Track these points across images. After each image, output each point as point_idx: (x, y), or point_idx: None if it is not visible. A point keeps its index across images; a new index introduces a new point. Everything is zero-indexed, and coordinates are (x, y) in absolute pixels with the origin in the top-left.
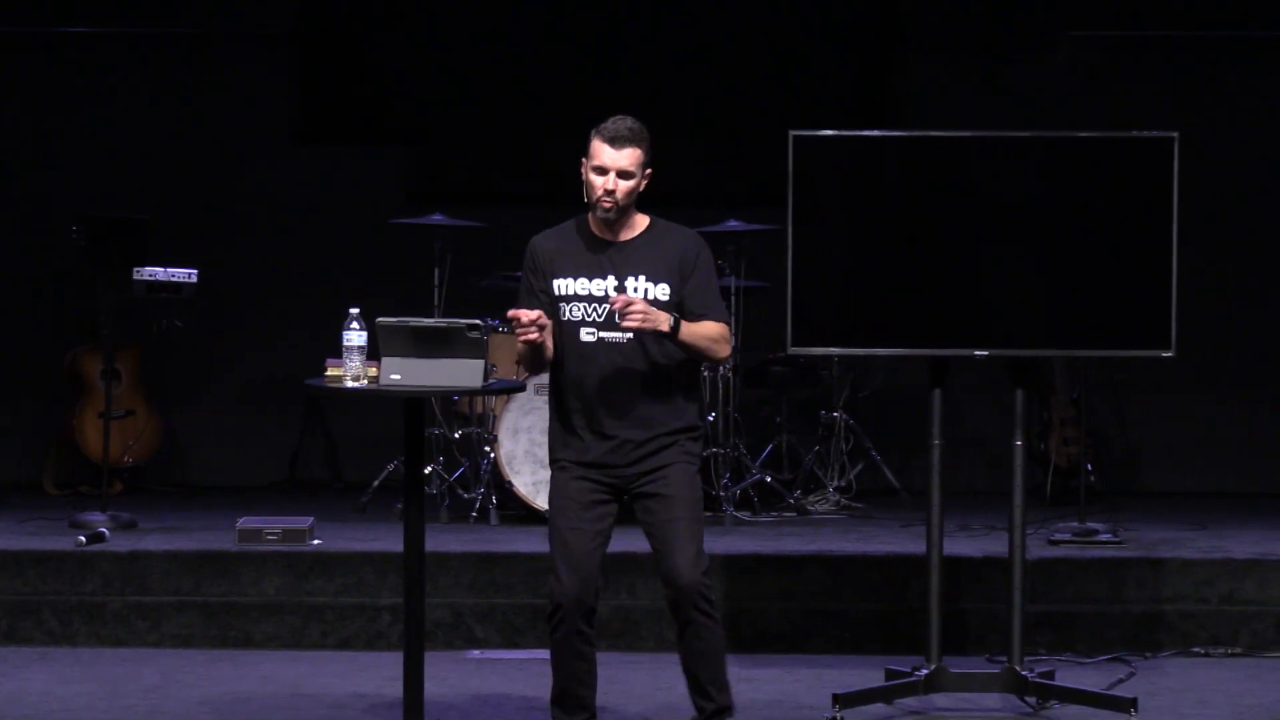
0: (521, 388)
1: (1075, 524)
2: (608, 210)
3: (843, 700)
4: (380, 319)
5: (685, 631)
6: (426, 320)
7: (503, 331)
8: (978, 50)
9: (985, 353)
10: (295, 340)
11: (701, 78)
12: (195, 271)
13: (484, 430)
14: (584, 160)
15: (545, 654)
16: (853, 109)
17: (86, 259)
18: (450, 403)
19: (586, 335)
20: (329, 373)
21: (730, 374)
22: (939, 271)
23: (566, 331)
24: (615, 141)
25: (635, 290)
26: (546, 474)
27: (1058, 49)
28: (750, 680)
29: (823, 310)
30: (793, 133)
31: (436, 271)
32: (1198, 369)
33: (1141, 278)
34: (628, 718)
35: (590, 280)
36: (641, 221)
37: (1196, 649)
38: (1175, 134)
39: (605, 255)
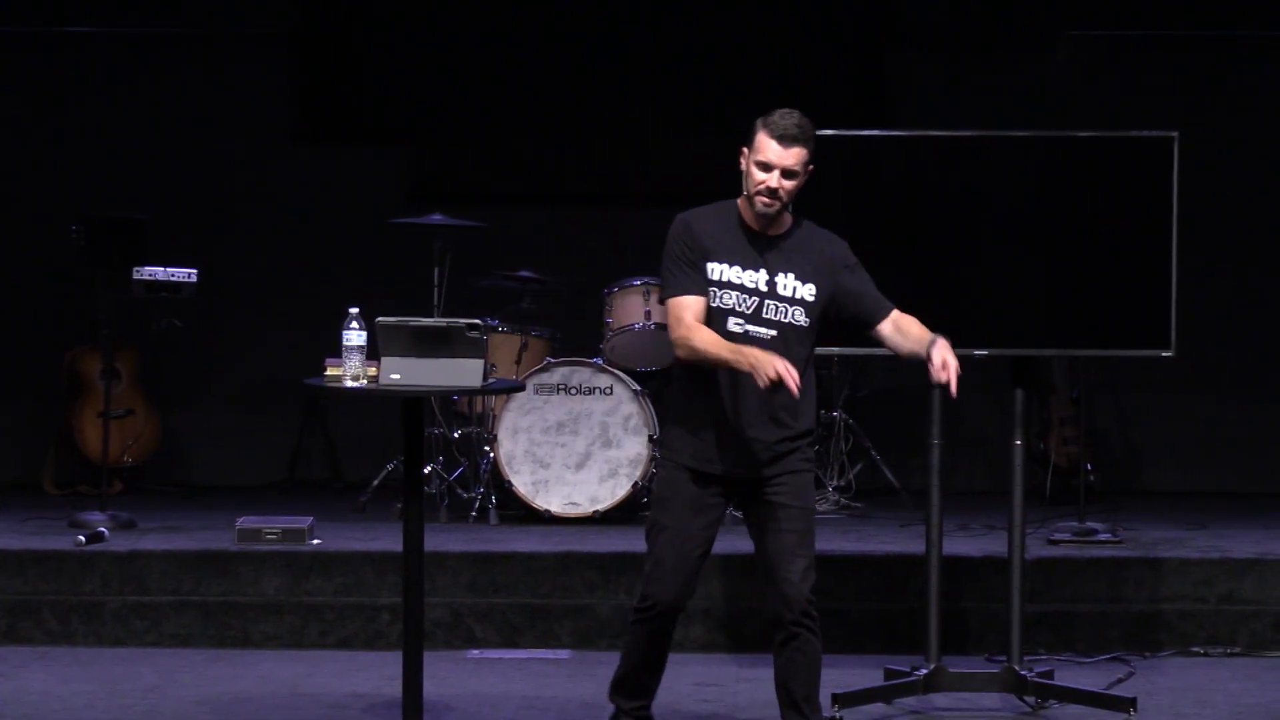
0: (521, 387)
1: (1074, 523)
2: (768, 207)
3: (842, 700)
4: (380, 319)
5: (788, 644)
6: (426, 320)
7: (502, 331)
8: (977, 49)
9: (985, 352)
10: (295, 340)
11: (699, 77)
12: (195, 271)
13: (483, 430)
14: (744, 149)
15: (545, 653)
16: (852, 108)
17: (86, 259)
18: (450, 402)
19: (734, 325)
20: (329, 372)
21: None
22: (939, 271)
23: (713, 318)
24: (783, 139)
25: (785, 288)
26: (545, 474)
27: (1057, 48)
28: (750, 679)
29: None
30: None
31: (436, 271)
32: (1197, 369)
33: (1141, 277)
34: None
35: (744, 271)
36: (788, 218)
37: (1195, 649)
38: (1175, 133)
39: (759, 248)
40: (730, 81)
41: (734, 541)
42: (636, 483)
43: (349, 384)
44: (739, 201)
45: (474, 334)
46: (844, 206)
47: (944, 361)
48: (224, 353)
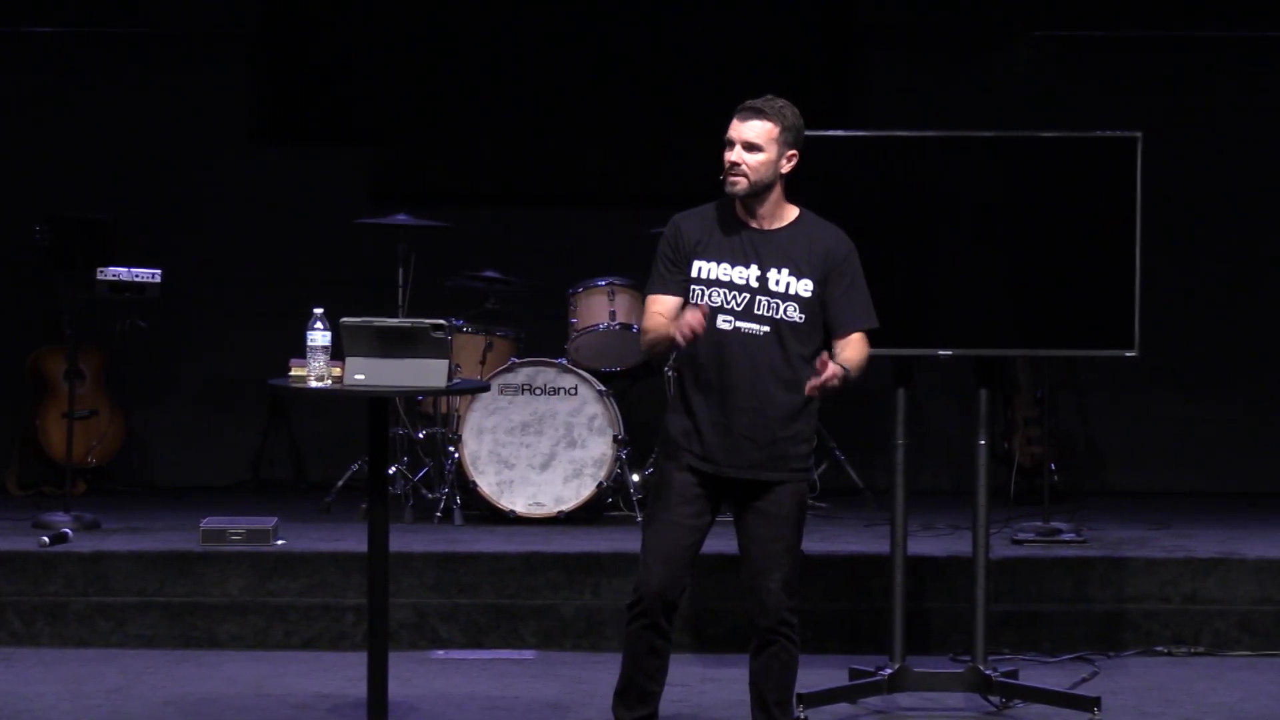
0: (486, 388)
1: (1039, 523)
2: (734, 185)
3: (807, 700)
4: (344, 319)
5: (763, 650)
6: (391, 320)
7: (466, 332)
8: (940, 50)
9: (949, 352)
10: (259, 340)
11: (664, 78)
12: (159, 271)
13: (448, 430)
14: None
15: (509, 654)
16: (816, 108)
17: (50, 259)
18: (414, 403)
19: (723, 323)
20: (293, 373)
21: None
22: (903, 271)
23: (706, 316)
24: (742, 113)
25: (778, 283)
26: (511, 474)
27: (1020, 49)
28: (715, 680)
29: None
30: None
31: (401, 271)
32: (1161, 369)
33: (1104, 278)
34: (594, 717)
35: (734, 267)
36: (790, 212)
37: (1160, 648)
38: (1139, 134)
39: (750, 243)
40: (695, 82)
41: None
42: (601, 483)
43: (313, 384)
44: (734, 199)
45: (439, 334)
46: (808, 206)
47: (826, 372)
48: (188, 353)
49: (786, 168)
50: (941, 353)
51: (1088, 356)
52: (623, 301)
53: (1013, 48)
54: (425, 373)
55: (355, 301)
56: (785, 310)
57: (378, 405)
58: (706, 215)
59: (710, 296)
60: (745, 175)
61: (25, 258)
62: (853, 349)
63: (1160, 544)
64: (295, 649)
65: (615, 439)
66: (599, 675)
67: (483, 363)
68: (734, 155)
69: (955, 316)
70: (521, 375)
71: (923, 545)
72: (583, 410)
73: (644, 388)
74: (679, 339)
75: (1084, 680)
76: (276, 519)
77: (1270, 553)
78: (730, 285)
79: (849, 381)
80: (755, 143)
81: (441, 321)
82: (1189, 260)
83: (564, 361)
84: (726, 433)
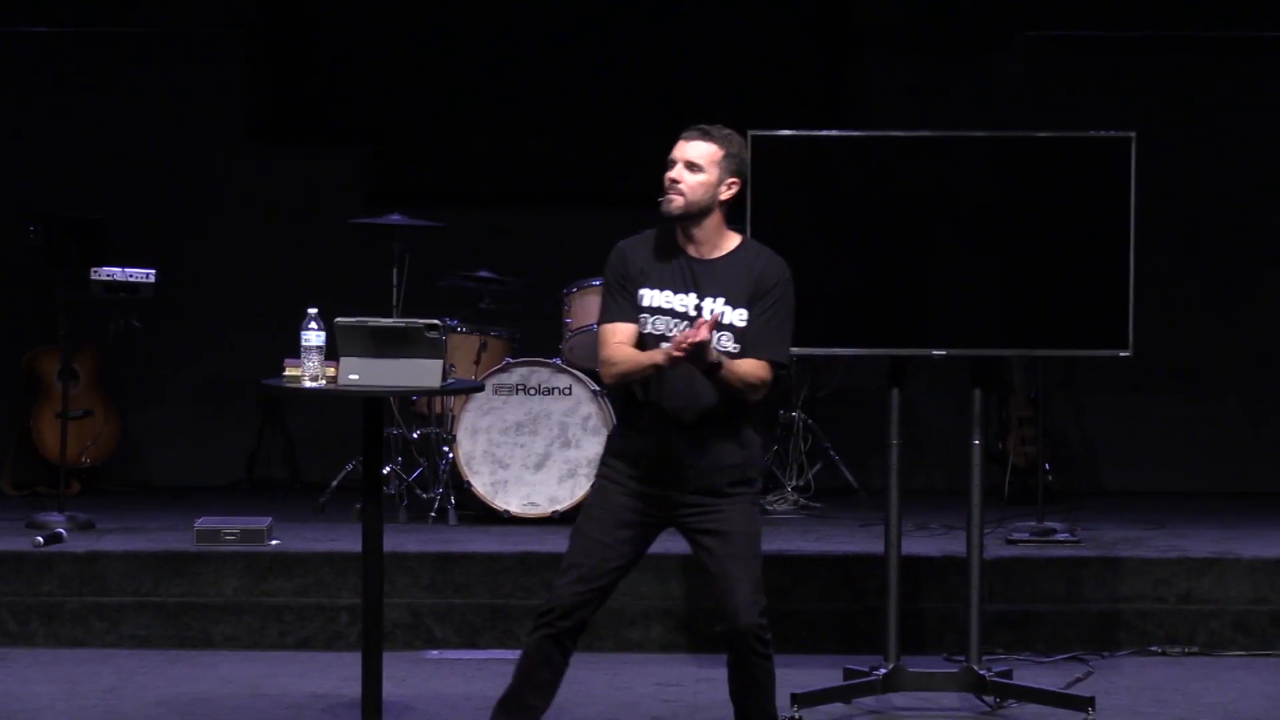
0: (480, 388)
1: (1033, 523)
2: (669, 203)
3: (801, 700)
4: (339, 319)
5: (741, 668)
6: (385, 320)
7: (461, 332)
8: (935, 50)
9: (943, 352)
10: (253, 340)
11: (657, 78)
12: (153, 271)
13: (442, 430)
14: None
15: (504, 654)
16: (811, 108)
17: (44, 259)
18: (409, 403)
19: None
20: (287, 373)
21: None
22: (898, 271)
23: (646, 345)
24: (687, 135)
25: (712, 313)
26: (505, 474)
27: (1016, 49)
28: (709, 680)
29: None
30: (751, 133)
31: (395, 271)
32: (1155, 368)
33: (1099, 278)
34: (587, 717)
35: (675, 294)
36: (731, 240)
37: (1154, 648)
38: (1133, 134)
39: (690, 270)
40: (691, 82)
41: None
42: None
43: (308, 384)
44: (677, 226)
45: (433, 334)
46: (803, 206)
47: (695, 335)
48: (182, 353)
49: (726, 194)
50: (936, 353)
51: (1082, 356)
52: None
53: (1008, 48)
54: (420, 373)
55: (350, 301)
56: (720, 340)
57: (372, 405)
58: (649, 241)
59: (653, 325)
60: (682, 194)
61: (20, 257)
62: (745, 364)
63: (1155, 544)
64: (290, 649)
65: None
66: (593, 675)
67: (477, 363)
68: (674, 173)
69: (950, 316)
70: (516, 375)
71: (917, 545)
72: (577, 410)
73: None
74: (674, 355)
75: (1078, 680)
76: (271, 519)
77: (1265, 553)
78: (671, 313)
79: (712, 372)
80: (697, 163)
81: (436, 321)
82: (1184, 260)
83: (558, 361)
84: (668, 456)
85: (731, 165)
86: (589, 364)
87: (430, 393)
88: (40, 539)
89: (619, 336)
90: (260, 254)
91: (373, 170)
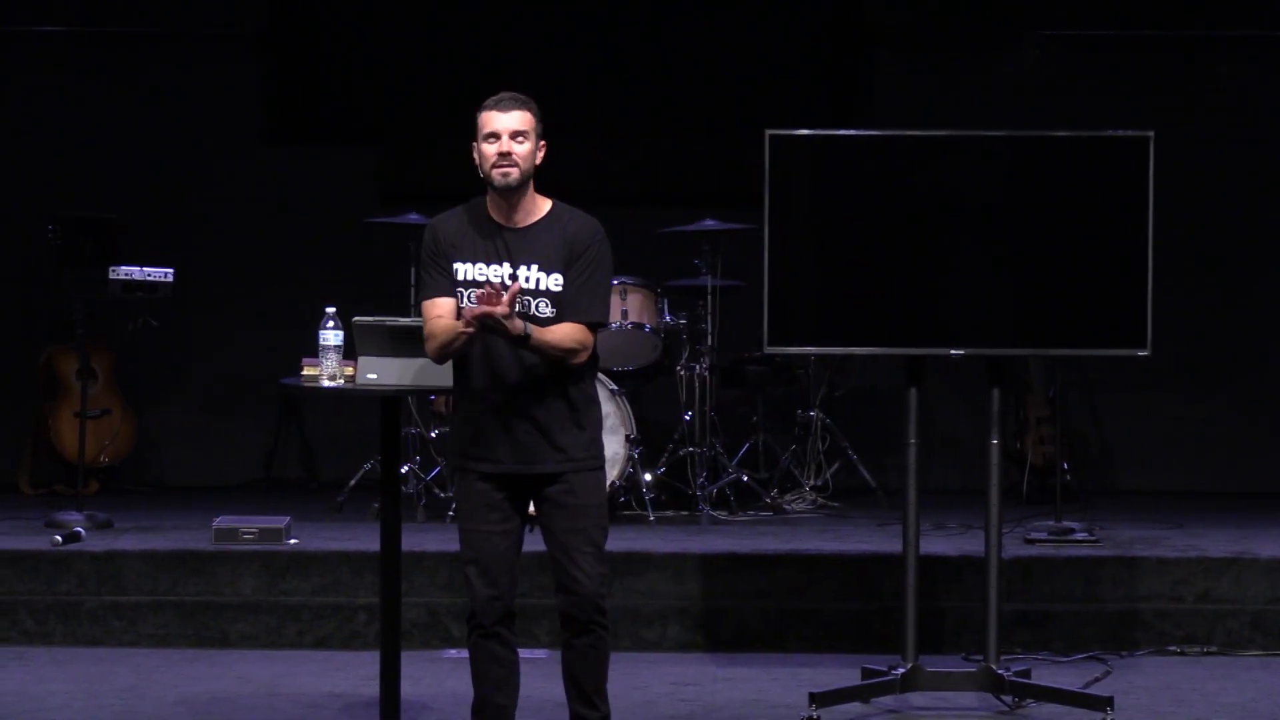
0: None
1: (1051, 523)
2: (507, 176)
3: (819, 699)
4: (356, 318)
5: (578, 639)
6: (402, 319)
7: None
8: (949, 49)
9: (961, 352)
10: (271, 340)
11: (675, 77)
12: (171, 271)
13: None
14: (473, 144)
15: (522, 653)
16: (823, 108)
17: (61, 259)
18: (426, 402)
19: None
20: (305, 372)
21: (706, 374)
22: (915, 270)
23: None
24: (501, 104)
25: (528, 280)
26: None
27: (1029, 47)
28: (727, 679)
29: (799, 309)
30: (769, 132)
31: (412, 270)
32: (1174, 368)
33: (1117, 277)
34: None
35: (488, 266)
36: (543, 206)
37: (1172, 647)
38: (1150, 133)
39: (502, 240)
40: (702, 82)
41: (711, 540)
42: (614, 482)
43: (325, 384)
44: (487, 197)
45: None
46: (820, 206)
47: (494, 305)
48: (200, 352)
49: (539, 158)
50: (953, 352)
51: (1100, 356)
52: (634, 301)
53: (1020, 47)
54: (437, 372)
55: (366, 300)
56: (536, 306)
57: (390, 404)
58: (461, 216)
59: (468, 298)
60: (516, 165)
61: (37, 257)
62: (559, 330)
63: (1173, 543)
64: (307, 648)
65: (628, 438)
66: (612, 675)
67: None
68: (503, 145)
69: (967, 316)
70: None
71: (935, 545)
72: None
73: (656, 387)
74: (472, 328)
75: (1096, 680)
76: (289, 518)
77: None
78: (486, 284)
79: (521, 344)
80: (521, 130)
81: None
82: (1202, 259)
83: None
84: (505, 430)
85: (539, 129)
86: (606, 363)
87: (448, 392)
88: (58, 538)
89: (437, 311)
90: (276, 254)
91: (388, 169)
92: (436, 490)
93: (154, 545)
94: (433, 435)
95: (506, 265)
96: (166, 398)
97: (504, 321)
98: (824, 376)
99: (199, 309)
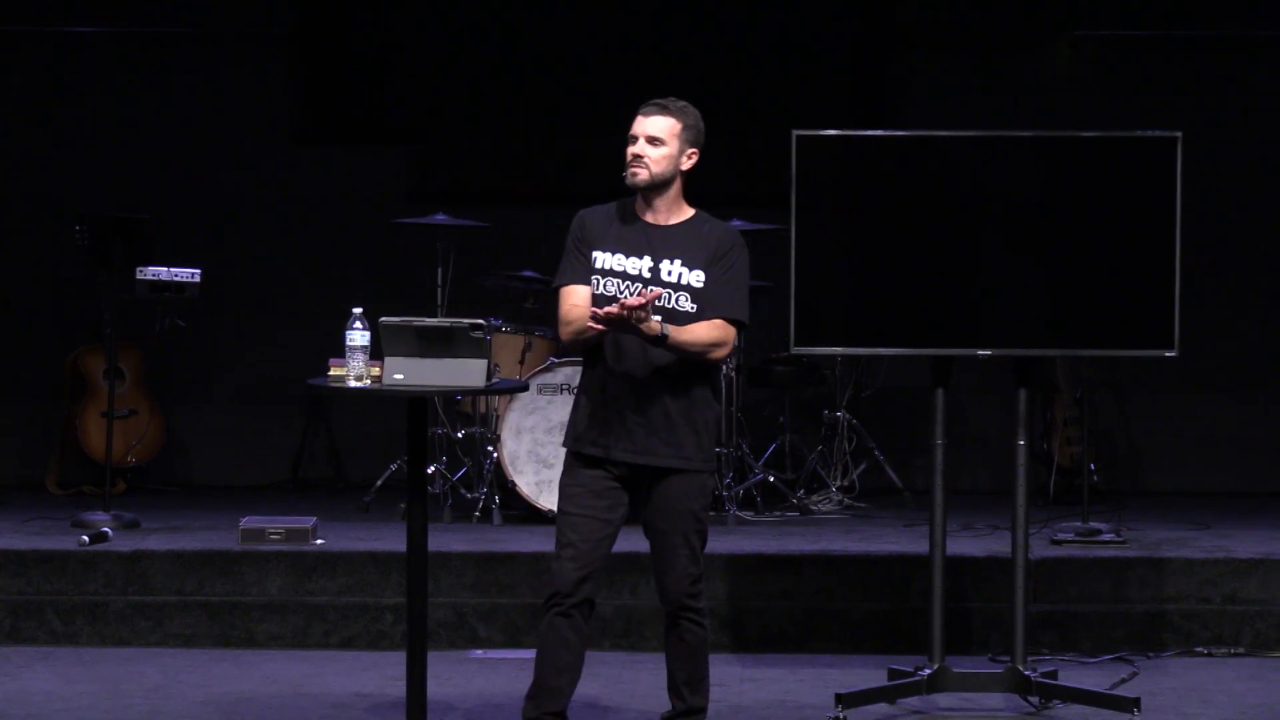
0: (525, 387)
1: (1078, 523)
2: (635, 177)
3: (845, 700)
4: (383, 319)
5: (671, 630)
6: (430, 320)
7: (506, 332)
8: (980, 49)
9: (988, 352)
10: (298, 340)
11: (703, 77)
12: (198, 271)
13: (487, 430)
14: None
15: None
16: (854, 108)
17: (89, 259)
18: (453, 402)
19: None
20: (332, 372)
21: (734, 374)
22: (942, 271)
23: (598, 305)
24: (645, 110)
25: (670, 274)
26: (550, 474)
27: (1060, 49)
28: (753, 680)
29: (826, 310)
30: (796, 132)
31: (439, 271)
32: (1201, 368)
33: (1145, 277)
34: (631, 717)
35: (628, 258)
36: (687, 211)
37: (1199, 649)
38: (1179, 134)
39: (645, 235)
40: (734, 82)
41: (738, 541)
42: None
43: (352, 384)
44: (637, 196)
45: (477, 334)
46: (847, 206)
47: (630, 304)
48: (227, 353)
49: (686, 165)
50: (981, 353)
51: (1128, 357)
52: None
53: (1052, 48)
54: (464, 372)
55: (394, 301)
56: (677, 300)
57: (416, 405)
58: (609, 210)
59: (605, 286)
60: (647, 167)
61: (65, 257)
62: (698, 327)
63: (1200, 544)
64: (334, 648)
65: None
66: (638, 675)
67: (521, 362)
68: (636, 148)
69: (995, 316)
70: (560, 375)
71: (962, 545)
72: None
73: None
74: (591, 326)
75: (1123, 681)
76: (315, 519)
77: None
78: (624, 275)
79: (657, 344)
80: (658, 137)
81: (480, 321)
82: (1229, 260)
83: None
84: (622, 420)
85: (689, 136)
86: None
87: (475, 392)
88: (85, 538)
89: (573, 298)
90: (304, 254)
91: (416, 170)
92: (463, 491)
93: (181, 545)
94: (459, 436)
95: (648, 259)
96: (194, 398)
97: (639, 324)
98: (851, 377)
99: (227, 309)
